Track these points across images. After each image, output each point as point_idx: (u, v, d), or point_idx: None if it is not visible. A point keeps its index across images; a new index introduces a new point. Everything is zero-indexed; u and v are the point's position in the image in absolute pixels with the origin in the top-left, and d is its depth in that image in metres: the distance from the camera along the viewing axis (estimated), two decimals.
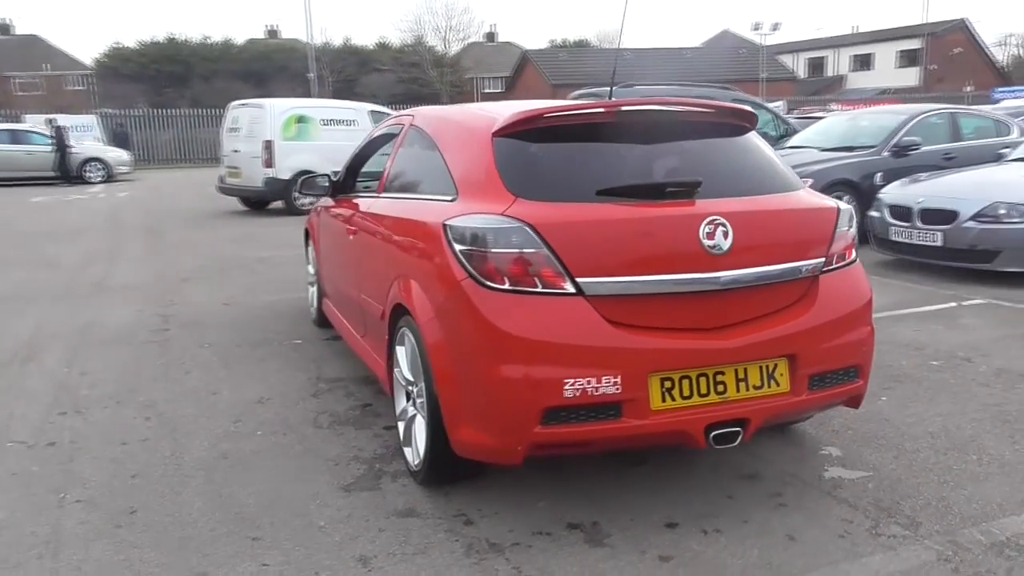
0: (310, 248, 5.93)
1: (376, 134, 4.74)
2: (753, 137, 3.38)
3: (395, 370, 3.50)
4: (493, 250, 2.76)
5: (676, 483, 3.27)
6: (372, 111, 14.03)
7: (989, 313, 5.92)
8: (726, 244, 2.84)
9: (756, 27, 41.37)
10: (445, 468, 3.14)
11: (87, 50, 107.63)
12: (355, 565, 2.72)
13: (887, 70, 55.40)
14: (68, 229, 11.81)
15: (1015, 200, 6.70)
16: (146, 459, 3.57)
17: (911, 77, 54.12)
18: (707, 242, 2.82)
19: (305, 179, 5.09)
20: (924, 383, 4.39)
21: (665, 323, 2.80)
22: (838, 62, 60.48)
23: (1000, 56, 61.18)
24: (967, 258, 6.82)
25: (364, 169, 5.12)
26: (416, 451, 3.25)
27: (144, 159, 27.66)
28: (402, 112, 4.38)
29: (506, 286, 2.74)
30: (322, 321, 5.65)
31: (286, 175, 12.82)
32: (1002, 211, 6.67)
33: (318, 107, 13.64)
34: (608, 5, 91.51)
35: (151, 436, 3.83)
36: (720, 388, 2.82)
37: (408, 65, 45.40)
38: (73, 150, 21.37)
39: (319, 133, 13.24)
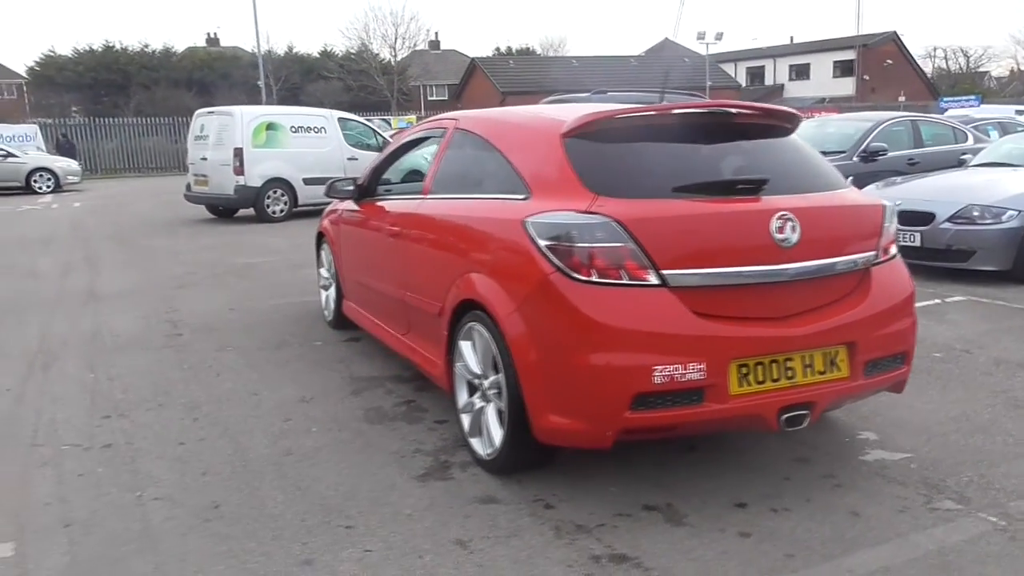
0: (324, 252, 5.97)
1: (406, 139, 4.83)
2: (797, 137, 3.60)
3: (457, 364, 3.60)
4: (581, 244, 2.90)
5: (733, 467, 3.45)
6: (341, 118, 14.03)
7: (971, 309, 6.28)
8: (794, 238, 3.03)
9: (700, 36, 42.30)
10: (523, 456, 3.26)
11: (19, 58, 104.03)
12: (454, 548, 2.82)
13: (824, 80, 57.20)
14: (33, 239, 11.53)
15: (987, 203, 7.11)
16: (210, 457, 3.60)
17: (847, 87, 55.99)
18: (777, 236, 3.01)
19: (332, 183, 5.15)
20: (933, 373, 4.66)
21: (741, 312, 2.98)
22: (776, 71, 62.21)
23: (927, 68, 63.78)
24: (944, 258, 7.20)
25: (385, 175, 5.22)
26: (489, 440, 3.36)
27: (88, 169, 26.91)
28: (439, 117, 4.48)
29: (594, 278, 2.88)
30: (339, 323, 5.70)
31: (257, 182, 12.74)
32: (976, 213, 7.07)
33: (288, 114, 13.58)
34: (550, 13, 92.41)
35: (206, 436, 3.85)
36: (789, 374, 3.01)
37: (356, 72, 45.17)
38: (19, 160, 20.74)
39: (289, 140, 13.19)
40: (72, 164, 22.18)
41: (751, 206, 3.06)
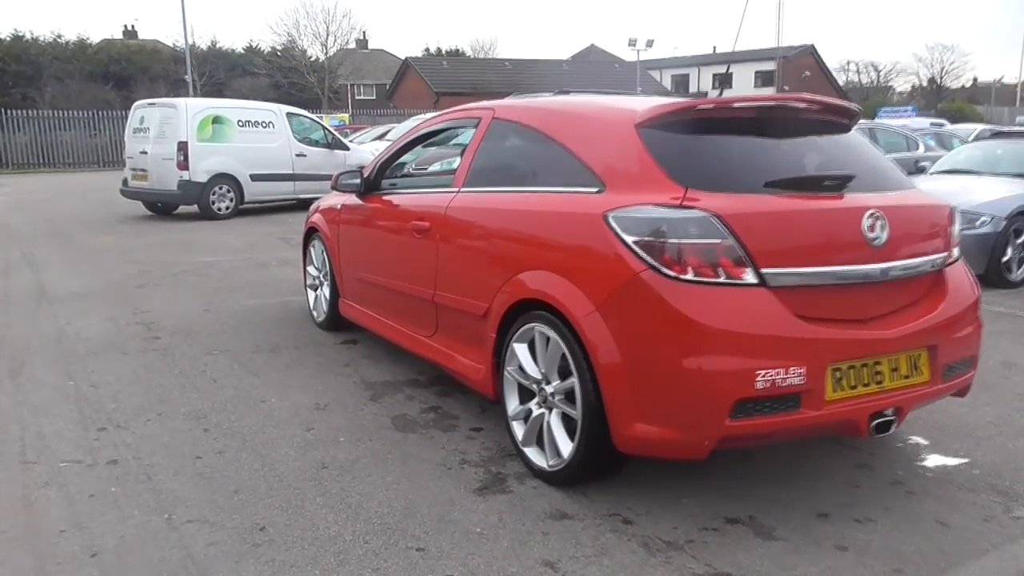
0: (314, 249, 5.62)
1: (421, 131, 4.55)
2: (857, 133, 3.50)
3: (507, 369, 3.37)
4: (675, 240, 2.71)
5: (799, 475, 3.31)
6: (290, 113, 13.51)
7: None
8: (884, 237, 2.92)
9: (632, 43, 42.78)
10: (595, 467, 3.05)
11: None
12: (543, 569, 2.59)
13: (746, 89, 58.62)
14: None
15: (961, 209, 7.24)
16: (237, 473, 3.26)
17: None
18: (869, 234, 2.89)
19: (338, 176, 4.83)
20: None
21: (835, 314, 2.84)
22: (700, 80, 63.61)
23: (841, 80, 66.22)
24: None
25: (395, 168, 4.93)
26: (553, 450, 3.13)
27: (0, 163, 25.32)
28: (468, 107, 4.21)
29: (689, 277, 2.70)
30: (334, 324, 5.38)
31: (202, 178, 12.13)
32: None
33: (234, 108, 12.97)
34: (479, 15, 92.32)
35: (224, 448, 3.50)
36: (878, 378, 2.89)
37: (286, 69, 44.01)
38: None
39: (236, 135, 12.61)
40: None
41: (843, 203, 2.93)
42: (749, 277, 2.71)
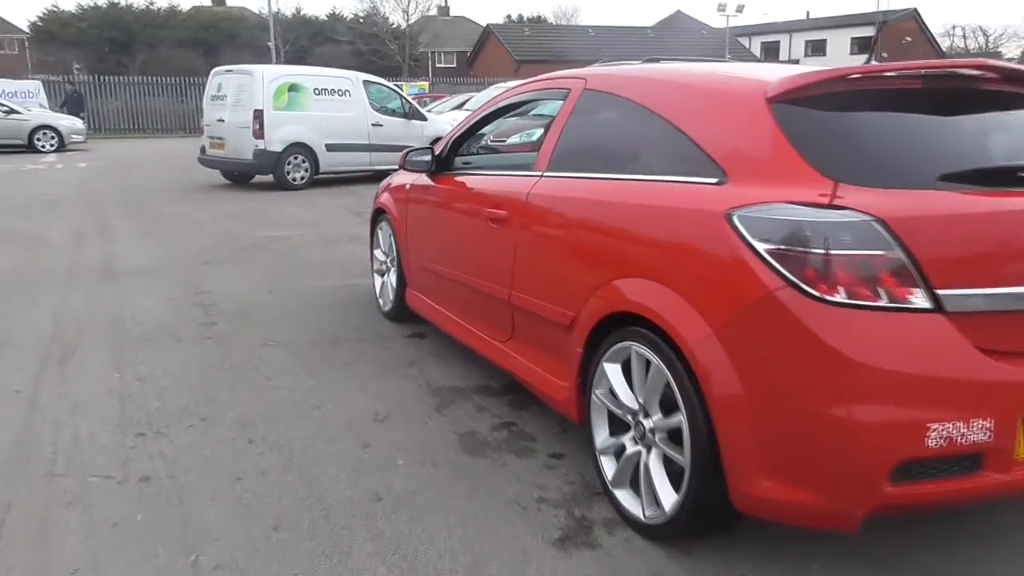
0: (381, 231, 5.15)
1: (500, 103, 3.99)
2: None
3: (595, 392, 2.82)
4: (823, 250, 2.09)
5: (936, 529, 2.67)
6: (367, 81, 13.11)
7: None
8: None
9: (721, 8, 41.06)
10: (705, 524, 2.49)
11: (20, 12, 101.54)
12: None
13: (841, 56, 55.85)
14: (39, 203, 10.64)
15: None
16: (279, 501, 2.82)
17: None
18: None
19: (407, 153, 4.33)
20: None
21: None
22: (791, 47, 60.91)
23: (945, 46, 62.47)
24: None
25: (470, 145, 4.40)
26: (652, 500, 2.57)
27: (92, 128, 25.81)
28: (554, 75, 3.63)
29: (841, 298, 2.08)
30: (399, 315, 4.92)
31: (277, 147, 11.87)
32: None
33: (311, 75, 12.64)
34: None
35: (269, 468, 3.07)
36: None
37: (367, 36, 43.91)
38: (22, 117, 19.78)
39: (312, 103, 12.29)
40: (77, 123, 21.14)
41: None
42: (920, 300, 2.08)
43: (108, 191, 11.95)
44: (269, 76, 11.97)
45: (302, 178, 12.22)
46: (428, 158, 4.26)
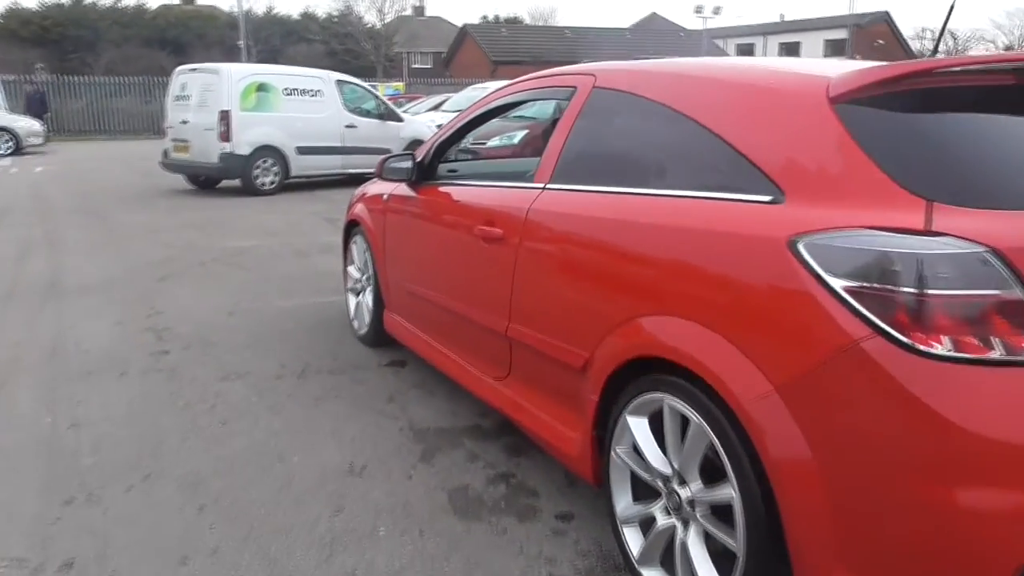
0: (355, 245, 4.64)
1: (494, 103, 3.49)
2: None
3: (616, 449, 2.34)
4: (920, 290, 1.63)
5: None
6: (339, 80, 12.55)
7: None
8: None
9: (698, 9, 40.86)
10: None
11: None
12: None
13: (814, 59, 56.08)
14: None
15: None
16: None
17: None
18: None
19: (384, 161, 3.82)
20: None
21: None
22: (766, 49, 60.96)
23: (916, 49, 62.88)
24: None
25: (457, 151, 3.91)
26: None
27: (53, 130, 24.91)
28: (557, 71, 3.14)
29: (944, 350, 1.61)
30: (377, 339, 4.41)
31: (245, 150, 11.26)
32: None
33: (281, 74, 12.04)
34: None
35: (220, 544, 2.54)
36: None
37: (341, 36, 43.14)
38: None
39: (282, 104, 11.70)
40: (35, 125, 20.29)
41: None
42: None
43: (63, 197, 11.27)
44: (236, 75, 11.37)
45: (272, 183, 11.64)
46: (409, 165, 3.76)
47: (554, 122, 3.45)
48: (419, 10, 57.14)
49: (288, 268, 6.63)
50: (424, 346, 3.75)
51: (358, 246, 4.60)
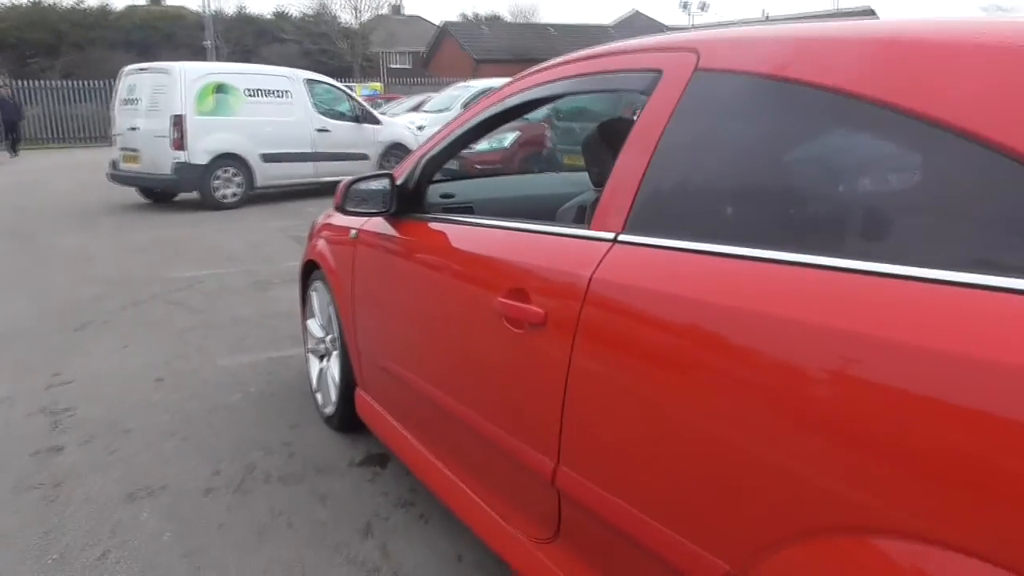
0: (317, 294, 3.46)
1: (510, 99, 2.31)
2: None
3: None
4: None
5: None
6: (309, 80, 11.33)
7: None
8: None
9: (684, 6, 39.82)
10: None
11: None
12: None
13: None
14: None
15: None
16: None
17: None
18: None
19: (350, 186, 2.62)
20: None
21: None
22: None
23: None
24: None
25: (449, 166, 2.73)
26: None
27: (20, 139, 23.39)
28: (622, 47, 1.94)
29: None
30: (349, 423, 3.24)
31: (202, 159, 10.03)
32: None
33: (242, 74, 10.78)
34: None
35: None
36: None
37: (316, 35, 41.75)
38: None
39: (244, 106, 10.46)
40: None
41: None
42: None
43: None
44: (191, 75, 10.11)
45: (234, 195, 10.41)
46: (384, 189, 2.58)
47: (611, 125, 2.30)
48: (396, 8, 55.92)
49: (243, 307, 5.42)
50: (412, 454, 2.58)
51: (319, 295, 3.42)
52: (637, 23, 58.97)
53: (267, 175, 10.66)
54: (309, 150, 10.95)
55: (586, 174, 2.69)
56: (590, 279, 1.64)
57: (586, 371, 1.63)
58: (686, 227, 1.53)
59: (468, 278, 2.15)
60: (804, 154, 1.47)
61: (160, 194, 10.86)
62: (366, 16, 44.77)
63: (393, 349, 2.69)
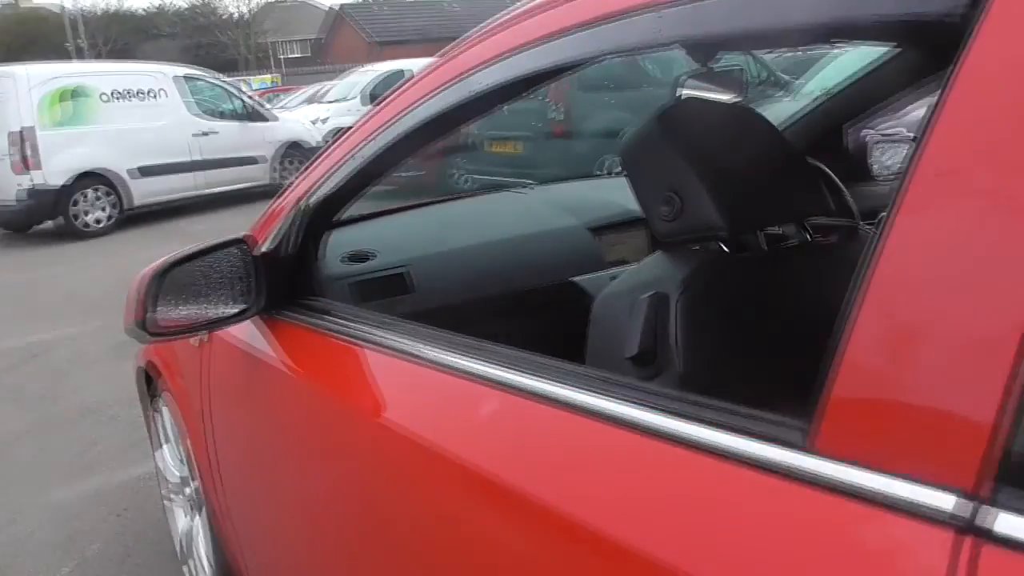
0: (163, 417, 2.16)
1: (485, 79, 1.08)
2: None
3: None
4: None
5: None
6: (184, 76, 9.72)
7: None
8: None
9: None
10: None
11: None
12: None
13: None
14: None
15: None
16: None
17: None
18: None
19: (165, 271, 1.32)
20: None
21: None
22: None
23: None
24: None
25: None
26: None
27: None
28: None
29: None
30: None
31: (58, 180, 8.37)
32: None
33: (101, 73, 9.05)
34: None
35: None
36: None
37: (199, 28, 39.20)
38: None
39: (105, 112, 8.80)
40: None
41: None
42: None
43: None
44: (34, 79, 8.40)
45: (106, 219, 8.80)
46: (234, 267, 1.32)
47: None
48: None
49: (97, 387, 4.02)
50: None
51: (164, 418, 2.13)
52: None
53: (143, 192, 9.07)
54: (188, 159, 9.38)
55: (556, 179, 1.54)
56: None
57: None
58: None
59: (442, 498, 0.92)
60: None
61: (12, 225, 9.11)
62: (251, 4, 42.39)
63: (281, 535, 1.44)
